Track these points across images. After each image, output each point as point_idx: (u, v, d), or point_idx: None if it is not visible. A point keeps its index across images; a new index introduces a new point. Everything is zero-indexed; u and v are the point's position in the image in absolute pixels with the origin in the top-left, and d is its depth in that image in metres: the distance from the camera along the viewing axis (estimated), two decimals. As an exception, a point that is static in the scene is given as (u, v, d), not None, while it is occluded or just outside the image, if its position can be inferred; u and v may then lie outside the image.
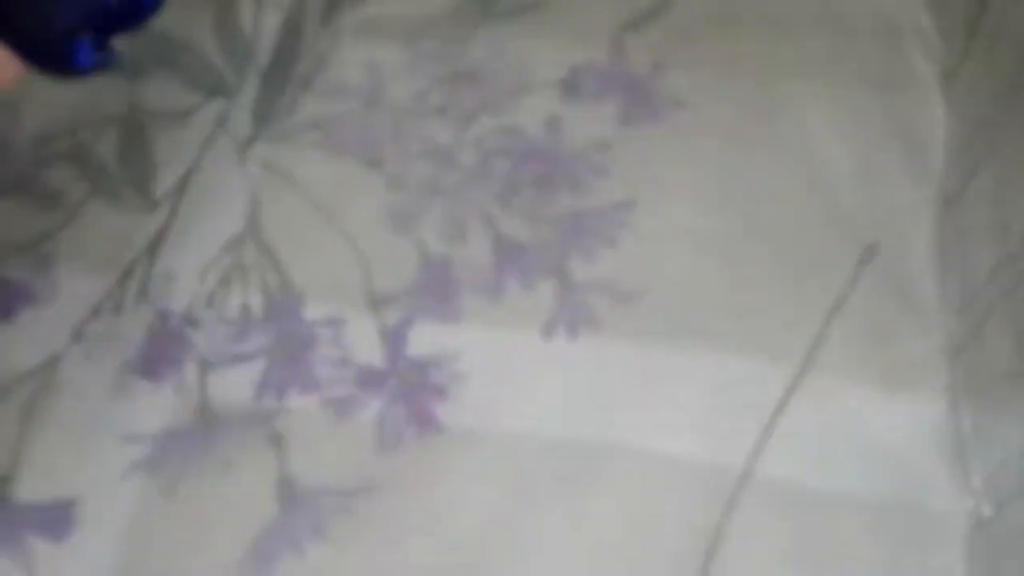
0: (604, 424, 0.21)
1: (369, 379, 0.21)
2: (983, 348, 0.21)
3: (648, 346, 0.22)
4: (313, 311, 0.22)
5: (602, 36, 0.27)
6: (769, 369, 0.22)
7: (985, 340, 0.21)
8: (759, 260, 0.24)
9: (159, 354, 0.22)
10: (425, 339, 0.22)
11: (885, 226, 0.25)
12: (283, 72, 0.26)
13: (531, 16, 0.27)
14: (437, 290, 0.23)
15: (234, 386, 0.21)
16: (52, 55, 0.20)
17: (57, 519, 0.20)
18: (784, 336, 0.23)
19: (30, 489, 0.21)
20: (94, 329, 0.22)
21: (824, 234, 0.24)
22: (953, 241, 0.24)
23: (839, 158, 0.26)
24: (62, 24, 0.19)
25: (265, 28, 0.27)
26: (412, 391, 0.21)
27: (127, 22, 0.20)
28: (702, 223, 0.24)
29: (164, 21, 0.27)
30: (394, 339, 0.22)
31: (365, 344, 0.22)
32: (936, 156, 0.26)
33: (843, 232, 0.25)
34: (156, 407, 0.21)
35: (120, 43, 0.27)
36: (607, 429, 0.21)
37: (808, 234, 0.25)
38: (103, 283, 0.23)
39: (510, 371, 0.22)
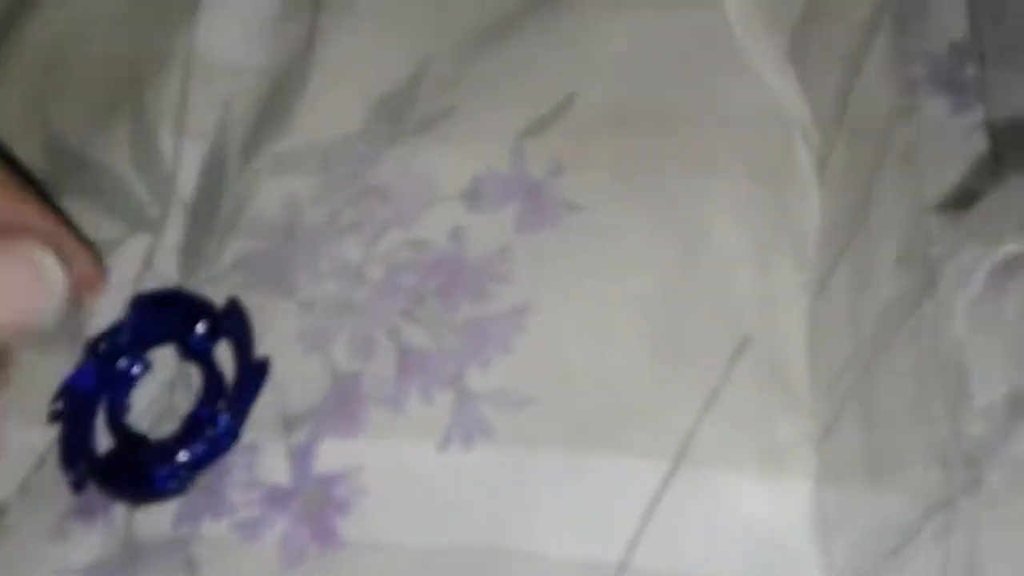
0: (494, 531, 0.23)
1: (275, 499, 0.23)
2: (841, 434, 0.23)
3: (537, 452, 0.24)
4: (230, 440, 0.24)
5: (502, 144, 0.29)
6: (648, 465, 0.23)
7: (842, 427, 0.23)
8: (643, 359, 0.25)
9: (94, 497, 0.24)
10: (331, 455, 0.24)
11: (763, 315, 0.26)
12: (209, 211, 0.28)
13: (436, 130, 0.29)
14: (344, 407, 0.25)
15: (156, 519, 0.23)
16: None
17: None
18: (662, 431, 0.24)
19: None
20: (39, 479, 0.24)
21: (705, 328, 0.26)
22: (820, 329, 0.25)
23: (723, 251, 0.27)
24: (164, 493, 0.22)
25: (187, 159, 0.29)
26: (315, 508, 0.23)
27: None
28: (593, 325, 0.26)
29: (80, 139, 0.29)
30: (301, 458, 0.24)
31: (275, 465, 0.24)
32: (810, 245, 0.27)
33: (723, 323, 0.26)
34: (87, 545, 0.23)
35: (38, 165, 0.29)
36: (497, 536, 0.23)
37: (690, 329, 0.26)
38: (47, 433, 0.25)
39: (407, 484, 0.23)
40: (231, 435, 0.24)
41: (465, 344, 0.26)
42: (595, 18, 0.31)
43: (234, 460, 0.24)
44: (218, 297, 0.27)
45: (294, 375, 0.25)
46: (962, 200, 0.19)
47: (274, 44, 0.30)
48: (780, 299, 0.26)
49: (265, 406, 0.25)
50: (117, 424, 0.25)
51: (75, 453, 0.24)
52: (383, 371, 0.25)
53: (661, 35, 0.31)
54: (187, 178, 0.29)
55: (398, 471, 0.23)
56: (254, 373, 0.25)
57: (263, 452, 0.24)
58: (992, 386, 0.17)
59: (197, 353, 0.26)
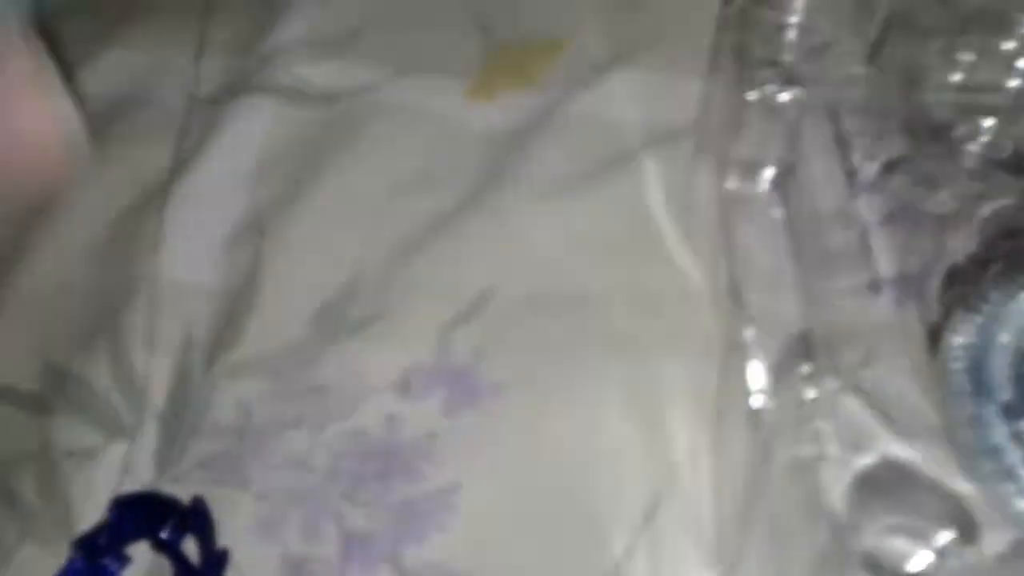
0: None
1: None
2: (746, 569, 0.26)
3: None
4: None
5: (429, 337, 0.33)
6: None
7: (745, 561, 0.26)
8: (563, 525, 0.29)
9: None
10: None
11: (674, 474, 0.30)
12: (177, 418, 0.32)
13: (368, 329, 0.33)
14: (294, 588, 0.28)
15: None
16: None
17: None
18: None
19: None
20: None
21: (621, 488, 0.29)
22: (720, 485, 0.29)
23: (639, 417, 0.31)
24: None
25: (156, 373, 0.33)
26: None
27: None
28: (515, 501, 0.30)
29: (63, 357, 0.33)
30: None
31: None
32: (710, 409, 0.31)
33: (638, 484, 0.30)
34: None
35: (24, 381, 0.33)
36: None
37: (608, 489, 0.29)
38: None
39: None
40: None
41: (401, 523, 0.29)
42: (515, 211, 0.36)
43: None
44: (185, 494, 0.31)
45: (251, 561, 0.29)
46: (772, 392, 0.23)
47: (227, 264, 0.35)
48: (692, 459, 0.30)
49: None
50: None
51: None
52: (328, 553, 0.29)
53: (579, 221, 0.35)
54: (158, 390, 0.33)
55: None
56: (215, 563, 0.29)
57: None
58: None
59: (168, 547, 0.30)
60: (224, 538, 0.29)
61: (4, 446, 0.32)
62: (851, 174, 0.25)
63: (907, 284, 0.23)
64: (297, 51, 0.41)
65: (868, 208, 0.25)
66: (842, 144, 0.28)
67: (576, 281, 0.34)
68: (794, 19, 0.29)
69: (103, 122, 0.40)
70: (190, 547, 0.30)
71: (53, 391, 0.34)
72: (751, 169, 0.27)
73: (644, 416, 0.31)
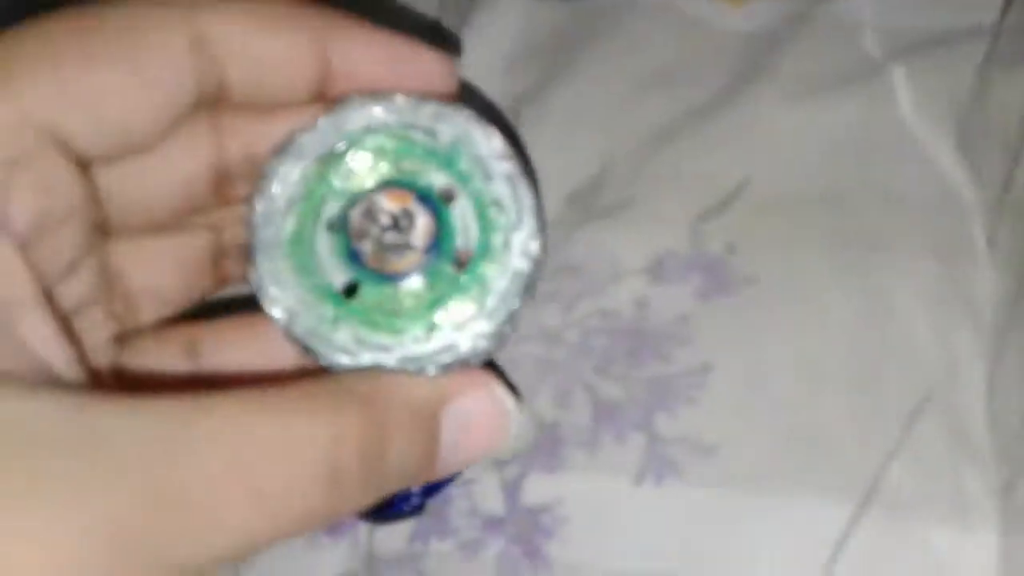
0: (682, 562, 0.25)
1: (491, 525, 0.27)
2: (1022, 491, 0.24)
3: (725, 492, 0.27)
4: (450, 473, 0.29)
5: (681, 226, 0.33)
6: (832, 508, 0.26)
7: (1022, 484, 0.24)
8: (824, 410, 0.28)
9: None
10: (536, 489, 0.27)
11: (944, 376, 0.28)
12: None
13: (620, 214, 0.33)
14: (547, 448, 0.28)
15: (393, 537, 0.27)
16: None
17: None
18: (846, 478, 0.26)
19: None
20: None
21: (885, 383, 0.28)
22: (997, 392, 0.27)
23: (900, 318, 0.30)
24: (401, 515, 0.27)
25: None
26: (525, 533, 0.27)
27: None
28: (771, 382, 0.29)
29: None
30: (511, 491, 0.28)
31: (489, 496, 0.28)
32: (987, 315, 0.29)
33: (903, 381, 0.28)
34: (335, 557, 0.28)
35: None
36: (684, 567, 0.25)
37: (870, 384, 0.28)
38: None
39: (605, 514, 0.27)
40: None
41: (652, 396, 0.29)
42: (768, 109, 0.35)
43: (456, 492, 0.28)
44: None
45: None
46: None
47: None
48: (960, 363, 0.28)
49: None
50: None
51: None
52: (580, 419, 0.29)
53: (833, 124, 0.34)
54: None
55: (596, 502, 0.27)
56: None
57: (480, 485, 0.28)
58: None
59: None
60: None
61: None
62: None
63: None
64: None
65: None
66: None
67: (829, 180, 0.33)
68: None
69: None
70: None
71: None
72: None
73: (903, 319, 0.29)
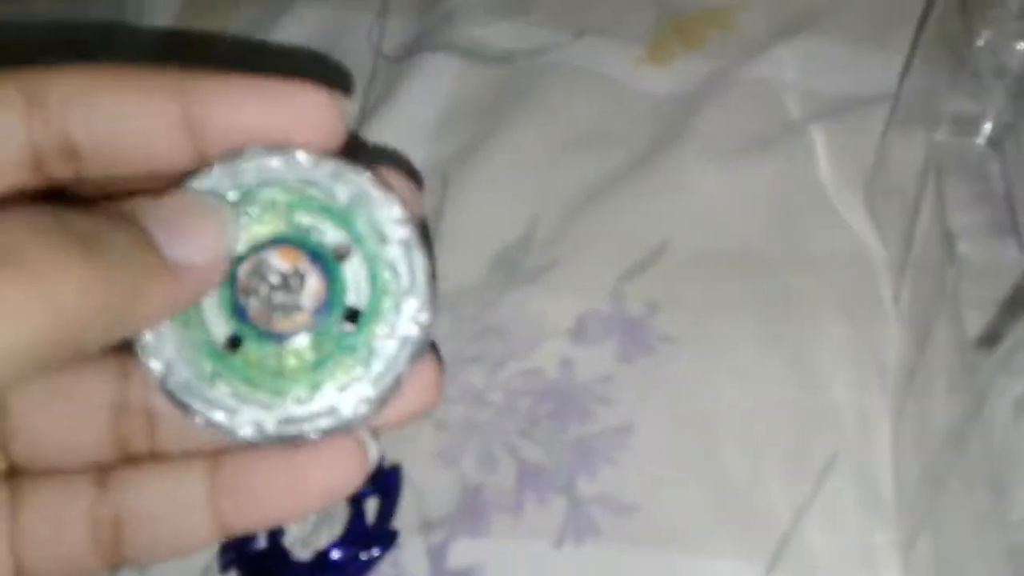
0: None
1: (416, 591, 0.27)
2: (922, 546, 0.25)
3: (643, 551, 0.27)
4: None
5: (604, 287, 0.34)
6: (747, 563, 0.27)
7: (922, 539, 0.25)
8: (740, 468, 0.29)
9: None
10: (461, 554, 0.28)
11: (852, 434, 0.29)
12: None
13: (545, 277, 0.34)
14: (471, 512, 0.29)
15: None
16: None
17: None
18: (760, 534, 0.27)
19: None
20: None
21: (798, 441, 0.29)
22: (900, 448, 0.28)
23: (813, 376, 0.31)
24: None
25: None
26: (450, 599, 0.27)
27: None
28: (689, 440, 0.30)
29: None
30: (436, 556, 0.28)
31: (415, 562, 0.28)
32: (892, 372, 0.30)
33: (816, 438, 0.29)
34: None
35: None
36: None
37: (784, 442, 0.29)
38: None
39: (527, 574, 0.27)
40: None
41: (574, 458, 0.30)
42: (688, 170, 0.36)
43: (383, 559, 0.28)
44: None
45: (431, 486, 0.30)
46: (994, 337, 0.22)
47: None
48: (868, 421, 0.30)
49: (408, 511, 0.29)
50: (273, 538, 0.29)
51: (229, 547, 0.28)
52: (504, 482, 0.29)
53: (751, 184, 0.36)
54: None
55: (518, 566, 0.27)
56: (385, 537, 0.28)
57: (406, 551, 0.28)
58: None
59: (354, 498, 0.29)
60: (408, 464, 0.30)
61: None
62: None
63: None
64: (477, 11, 0.42)
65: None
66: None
67: (747, 242, 0.34)
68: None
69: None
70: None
71: None
72: (967, 122, 0.26)
73: (814, 377, 0.31)
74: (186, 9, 0.44)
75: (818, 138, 0.37)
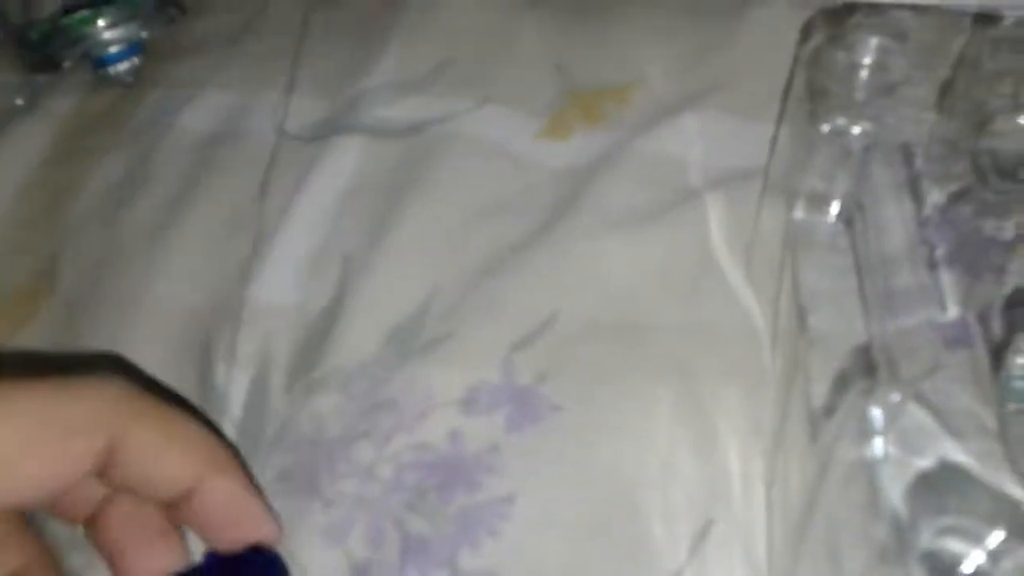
0: None
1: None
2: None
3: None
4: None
5: (495, 358, 0.34)
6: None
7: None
8: (616, 540, 0.29)
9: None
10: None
11: (727, 499, 0.30)
12: (256, 430, 0.34)
13: (437, 350, 0.35)
14: (355, 589, 0.29)
15: None
16: None
17: None
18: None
19: None
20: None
21: (674, 511, 0.30)
22: (772, 514, 0.29)
23: (693, 442, 0.31)
24: None
25: (235, 386, 0.35)
26: None
27: None
28: (569, 511, 0.30)
29: (162, 374, 0.35)
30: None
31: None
32: (768, 437, 0.31)
33: (693, 503, 0.30)
34: None
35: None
36: None
37: (660, 508, 0.30)
38: None
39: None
40: None
41: (458, 530, 0.30)
42: (582, 241, 0.37)
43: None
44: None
45: (319, 564, 0.30)
46: (833, 408, 0.23)
47: (311, 288, 0.37)
48: (749, 485, 0.30)
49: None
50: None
51: None
52: (390, 557, 0.30)
53: (644, 253, 0.37)
54: (235, 401, 0.35)
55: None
56: None
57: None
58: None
59: None
60: (293, 543, 0.30)
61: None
62: (919, 204, 0.26)
63: (971, 306, 0.24)
64: (384, 92, 0.43)
65: (935, 236, 0.25)
66: (910, 180, 0.28)
67: (637, 311, 0.35)
68: (867, 59, 0.30)
69: (199, 154, 0.43)
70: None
71: None
72: (819, 201, 0.28)
73: (697, 443, 0.31)
74: (89, 96, 0.45)
75: (711, 208, 0.38)
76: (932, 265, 0.26)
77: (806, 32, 0.32)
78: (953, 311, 0.25)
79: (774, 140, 0.35)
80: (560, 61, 0.43)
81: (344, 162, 0.41)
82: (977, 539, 0.18)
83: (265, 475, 0.33)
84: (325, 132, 0.42)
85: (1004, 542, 0.18)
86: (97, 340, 0.37)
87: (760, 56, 0.40)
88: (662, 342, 0.34)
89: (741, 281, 0.36)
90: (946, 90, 0.29)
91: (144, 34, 0.46)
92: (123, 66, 0.46)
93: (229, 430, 0.34)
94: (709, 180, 0.39)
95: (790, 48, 0.36)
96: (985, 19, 0.30)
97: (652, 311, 0.35)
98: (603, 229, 0.38)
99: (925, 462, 0.20)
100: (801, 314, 0.26)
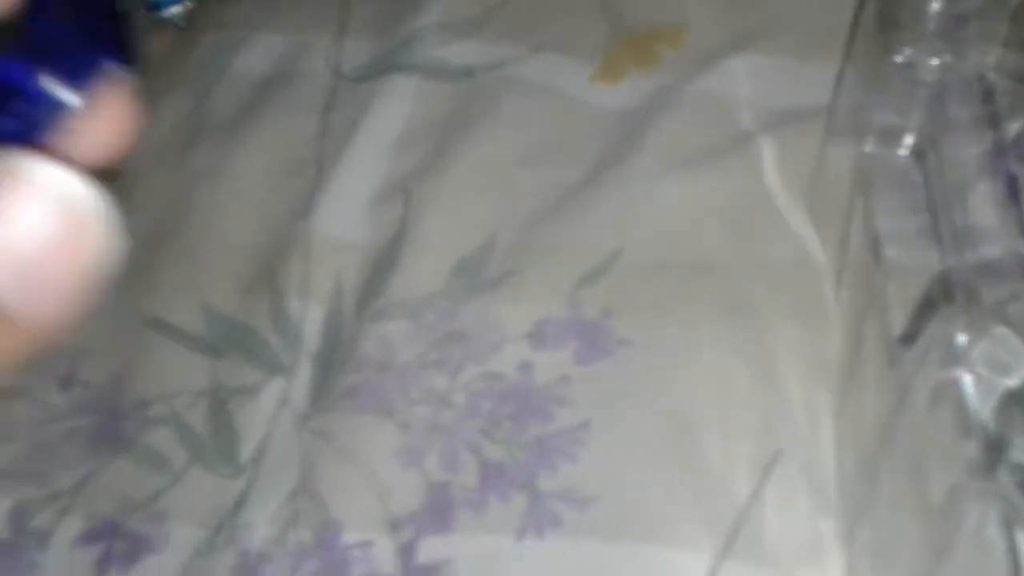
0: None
1: (386, 585, 0.29)
2: (861, 535, 0.27)
3: (599, 542, 0.29)
4: (348, 537, 0.30)
5: (560, 294, 0.35)
6: (693, 557, 0.28)
7: (860, 529, 0.27)
8: (689, 465, 0.30)
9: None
10: (429, 551, 0.29)
11: (798, 431, 0.31)
12: (328, 357, 0.35)
13: (503, 285, 0.36)
14: (437, 510, 0.30)
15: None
16: None
17: None
18: (706, 527, 0.29)
19: None
20: (197, 566, 0.30)
21: (742, 439, 0.31)
22: (841, 442, 0.30)
23: (761, 377, 0.32)
24: None
25: (310, 319, 0.36)
26: (417, 592, 0.28)
27: None
28: (643, 437, 0.31)
29: (232, 308, 0.36)
30: (405, 553, 0.29)
31: (385, 559, 0.29)
32: (834, 370, 0.32)
33: (762, 434, 0.31)
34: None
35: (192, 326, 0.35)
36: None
37: (733, 437, 0.31)
38: (203, 533, 0.31)
39: (492, 570, 0.29)
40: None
41: (534, 456, 0.31)
42: (639, 182, 0.38)
43: (352, 554, 0.29)
44: (334, 423, 0.33)
45: (396, 484, 0.31)
46: (913, 335, 0.24)
47: (374, 222, 0.38)
48: (815, 416, 0.31)
49: (373, 510, 0.30)
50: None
51: None
52: (468, 480, 0.31)
53: (701, 194, 0.37)
54: (311, 332, 0.36)
55: (483, 560, 0.29)
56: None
57: (375, 548, 0.29)
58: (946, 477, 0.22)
59: None
60: (370, 461, 0.32)
61: (178, 382, 0.35)
62: (995, 135, 0.26)
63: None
64: (435, 32, 0.43)
65: (1014, 166, 0.26)
66: (987, 112, 0.28)
67: (697, 248, 0.36)
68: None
69: (256, 96, 0.43)
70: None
71: (219, 336, 0.36)
72: (891, 134, 0.28)
73: (763, 375, 0.32)
74: (143, 39, 0.45)
75: (766, 149, 0.38)
76: (1012, 195, 0.26)
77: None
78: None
79: (840, 75, 0.36)
80: (610, 5, 0.43)
81: (400, 103, 0.41)
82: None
83: (334, 393, 0.34)
84: (378, 71, 0.42)
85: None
86: (170, 277, 0.38)
87: (803, 3, 0.40)
88: (724, 279, 0.35)
89: (800, 219, 0.37)
90: (1017, 19, 0.30)
91: (196, -23, 0.46)
92: (176, 9, 0.46)
93: (305, 361, 0.35)
94: (763, 121, 0.39)
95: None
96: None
97: (713, 249, 0.36)
98: (661, 170, 0.38)
99: (1012, 381, 0.21)
100: (875, 246, 0.27)
